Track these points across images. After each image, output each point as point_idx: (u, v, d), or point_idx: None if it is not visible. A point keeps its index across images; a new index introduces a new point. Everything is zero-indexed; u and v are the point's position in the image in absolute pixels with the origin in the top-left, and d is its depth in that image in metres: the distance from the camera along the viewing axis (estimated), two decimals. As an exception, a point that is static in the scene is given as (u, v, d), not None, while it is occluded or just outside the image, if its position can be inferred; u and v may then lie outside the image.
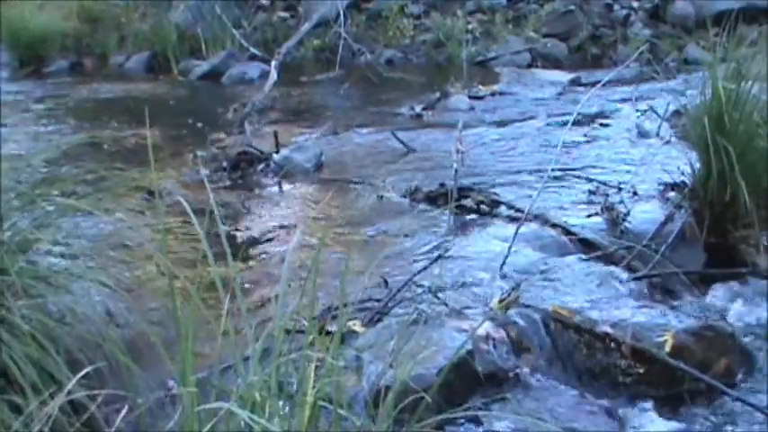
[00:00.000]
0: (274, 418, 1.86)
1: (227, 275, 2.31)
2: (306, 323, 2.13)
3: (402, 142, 6.03)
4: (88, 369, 2.01)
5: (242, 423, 1.84)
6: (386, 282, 3.65)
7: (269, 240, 4.38)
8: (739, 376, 3.34)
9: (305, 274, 2.33)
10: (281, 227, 4.56)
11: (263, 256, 4.16)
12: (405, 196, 4.95)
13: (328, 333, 2.96)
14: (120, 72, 10.25)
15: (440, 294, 3.50)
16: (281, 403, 2.06)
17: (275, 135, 5.87)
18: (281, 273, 2.46)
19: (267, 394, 1.97)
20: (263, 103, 7.19)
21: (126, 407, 2.03)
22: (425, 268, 3.67)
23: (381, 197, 4.97)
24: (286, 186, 5.41)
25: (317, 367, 2.14)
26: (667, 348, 3.21)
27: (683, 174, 4.70)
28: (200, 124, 7.08)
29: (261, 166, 5.63)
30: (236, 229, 4.56)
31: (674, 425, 3.07)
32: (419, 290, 3.56)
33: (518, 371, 3.18)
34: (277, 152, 5.72)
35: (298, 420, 1.95)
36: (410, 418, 2.02)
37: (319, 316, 3.03)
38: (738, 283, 4.07)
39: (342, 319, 2.17)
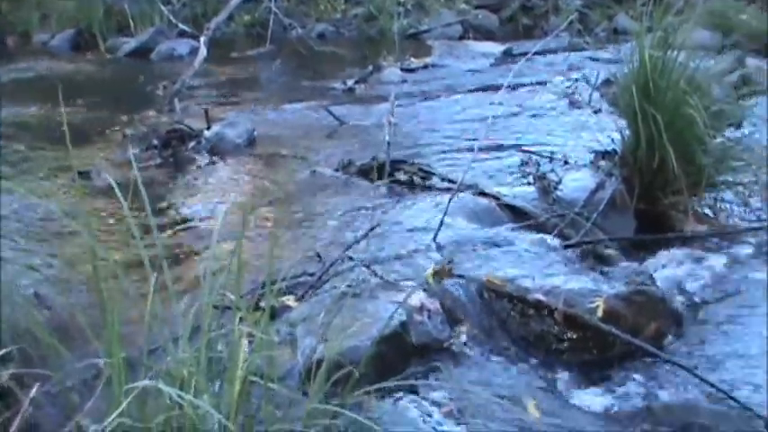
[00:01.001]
0: (203, 395, 1.84)
1: (154, 253, 2.27)
2: (234, 298, 2.10)
3: (334, 116, 6.00)
4: (9, 349, 1.96)
5: (169, 400, 1.81)
6: (319, 256, 3.63)
7: (200, 217, 4.33)
8: (669, 339, 3.39)
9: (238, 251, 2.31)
10: (213, 203, 4.51)
11: (194, 233, 4.11)
12: (338, 170, 4.93)
13: (261, 308, 2.94)
14: (45, 50, 10.03)
15: (373, 267, 3.49)
16: (210, 380, 2.04)
17: (206, 112, 5.80)
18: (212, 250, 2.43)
19: (196, 371, 1.95)
20: (193, 80, 7.10)
21: (42, 383, 1.99)
22: (358, 241, 3.65)
23: (314, 171, 4.94)
24: (218, 163, 5.35)
25: (248, 342, 2.12)
26: (599, 314, 3.24)
27: (613, 142, 4.74)
28: (129, 103, 6.97)
29: (192, 144, 5.56)
30: (167, 207, 4.50)
31: (606, 389, 3.11)
32: (353, 263, 3.54)
33: (452, 341, 3.18)
34: (208, 129, 5.66)
35: (228, 396, 1.93)
36: (343, 389, 2.01)
37: (251, 292, 3.02)
38: (668, 249, 4.13)
39: (270, 293, 2.14)
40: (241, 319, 2.09)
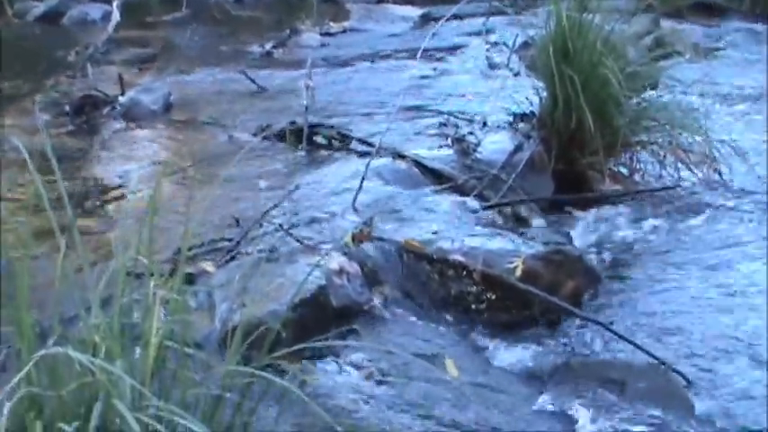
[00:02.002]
0: (116, 361, 1.80)
1: (66, 221, 2.22)
2: (147, 263, 2.06)
3: (252, 81, 5.92)
4: None
5: (79, 367, 1.77)
6: (237, 221, 3.59)
7: (114, 184, 4.24)
8: (587, 297, 3.44)
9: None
10: (128, 170, 4.42)
11: (108, 200, 4.04)
12: (255, 135, 4.87)
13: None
14: (-51, 16, 9.69)
15: (292, 231, 3.46)
16: (126, 347, 2.00)
17: (120, 77, 5.67)
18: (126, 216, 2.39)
19: (109, 337, 1.90)
20: (106, 45, 6.94)
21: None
22: (276, 205, 3.62)
23: (231, 136, 4.88)
24: (133, 129, 5.24)
25: (164, 308, 2.08)
26: (517, 273, 3.27)
27: (531, 104, 4.77)
28: (39, 69, 6.78)
29: (106, 110, 5.43)
30: (81, 174, 4.40)
31: (525, 346, 3.15)
32: (272, 227, 3.51)
33: (372, 303, 3.18)
34: (123, 95, 5.53)
35: (143, 361, 1.89)
36: (259, 352, 1.98)
37: (169, 258, 2.98)
38: (585, 208, 4.18)
39: (184, 258, 2.11)
40: (154, 283, 2.05)
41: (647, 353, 3.01)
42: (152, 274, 2.01)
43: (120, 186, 4.25)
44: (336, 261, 3.23)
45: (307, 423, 2.01)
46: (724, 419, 2.71)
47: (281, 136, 4.78)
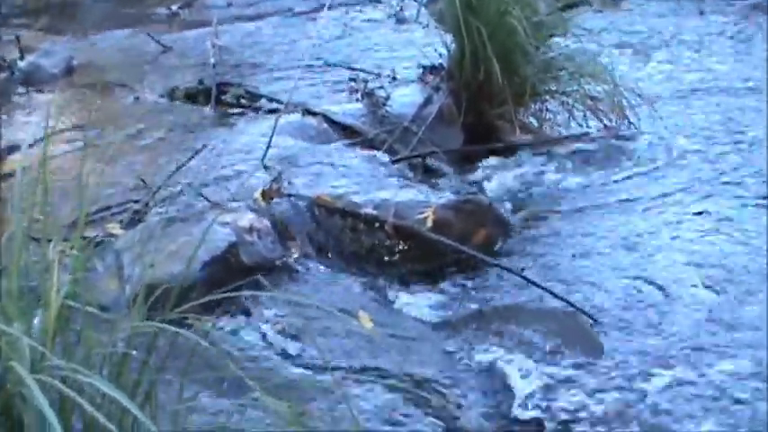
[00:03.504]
0: (13, 322, 1.75)
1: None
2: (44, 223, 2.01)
3: (158, 42, 5.81)
4: None
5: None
6: (144, 182, 3.53)
7: (14, 151, 4.13)
8: (499, 245, 3.46)
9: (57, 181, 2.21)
10: (27, 135, 4.30)
11: (9, 167, 3.92)
12: (163, 96, 4.79)
13: (85, 238, 2.82)
14: None
15: (201, 190, 3.41)
16: (27, 309, 1.95)
17: (18, 40, 5.51)
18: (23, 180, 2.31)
19: (8, 300, 1.85)
20: (2, 8, 6.73)
21: None
22: (183, 165, 3.57)
23: (137, 98, 4.79)
24: (34, 94, 5.11)
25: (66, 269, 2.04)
26: (428, 224, 3.28)
27: (440, 57, 4.75)
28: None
29: (4, 75, 5.28)
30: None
31: (439, 296, 3.16)
32: (179, 187, 3.46)
33: (285, 259, 3.16)
34: (21, 59, 5.38)
35: (44, 322, 1.84)
36: (164, 306, 1.95)
37: (72, 222, 2.90)
38: (495, 158, 4.20)
39: (83, 216, 2.05)
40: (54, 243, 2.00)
41: (558, 297, 3.04)
42: (49, 234, 1.96)
43: (17, 151, 4.14)
44: (246, 218, 3.20)
45: (216, 377, 1.98)
46: (630, 356, 2.76)
47: (188, 96, 4.72)
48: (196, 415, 1.98)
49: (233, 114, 4.45)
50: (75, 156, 3.86)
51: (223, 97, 4.57)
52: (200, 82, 4.74)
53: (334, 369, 2.52)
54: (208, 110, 4.43)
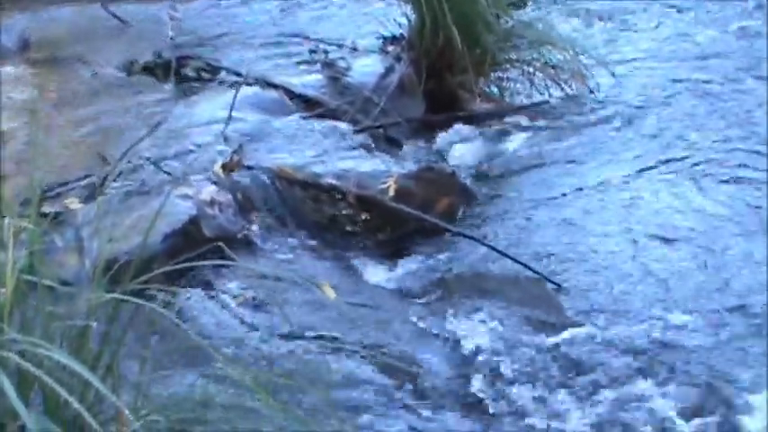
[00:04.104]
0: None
1: None
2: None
3: (115, 15, 5.72)
4: None
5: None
6: (103, 156, 3.49)
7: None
8: (461, 213, 3.47)
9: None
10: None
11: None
12: (121, 70, 4.73)
13: (45, 215, 2.80)
14: None
15: (161, 164, 3.39)
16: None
17: (-30, 16, 5.42)
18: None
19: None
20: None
21: None
22: (143, 139, 3.53)
23: (95, 73, 4.72)
24: (-10, 70, 5.02)
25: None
26: (390, 193, 3.27)
27: (400, 27, 4.74)
28: None
29: (-43, 51, 5.19)
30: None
31: (402, 265, 3.17)
32: (139, 161, 3.43)
33: (247, 231, 3.15)
34: (-24, 35, 5.29)
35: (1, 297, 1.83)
36: (123, 278, 1.93)
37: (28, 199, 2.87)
38: (457, 127, 4.20)
39: (38, 188, 2.03)
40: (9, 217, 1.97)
41: (520, 263, 3.06)
42: (4, 210, 1.94)
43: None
44: (207, 191, 3.19)
45: (178, 348, 1.97)
46: (591, 316, 2.79)
47: (147, 70, 4.66)
48: (159, 386, 1.97)
49: (193, 88, 4.41)
50: (31, 131, 3.83)
51: (183, 71, 4.51)
52: (159, 55, 4.67)
53: (297, 338, 2.52)
54: (167, 83, 4.37)
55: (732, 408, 2.42)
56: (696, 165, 3.80)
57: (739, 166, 3.73)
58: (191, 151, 3.57)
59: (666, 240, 3.27)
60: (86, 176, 3.35)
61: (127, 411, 1.69)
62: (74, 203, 3.18)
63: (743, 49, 4.95)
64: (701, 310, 2.82)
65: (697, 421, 2.39)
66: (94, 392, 1.76)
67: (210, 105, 4.09)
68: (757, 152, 3.82)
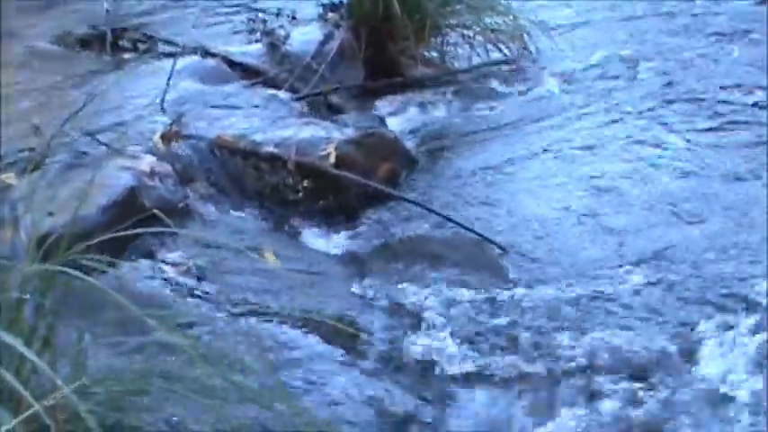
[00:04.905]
0: None
1: None
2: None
3: (47, -13, 5.61)
4: None
5: None
6: (39, 129, 3.43)
7: None
8: (403, 178, 3.47)
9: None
10: None
11: None
12: (55, 43, 4.64)
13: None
14: None
15: (99, 136, 3.33)
16: None
17: None
18: None
19: None
20: None
21: None
22: (79, 111, 3.46)
23: (29, 46, 4.64)
24: None
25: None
26: (331, 160, 3.26)
27: (339, -7, 4.71)
28: None
29: None
30: None
31: (345, 231, 3.16)
32: (76, 134, 3.37)
33: (188, 201, 3.11)
34: None
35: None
36: (58, 251, 1.90)
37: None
38: (398, 94, 4.20)
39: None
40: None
41: (463, 226, 3.07)
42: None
43: None
44: (146, 162, 3.14)
45: (117, 319, 1.94)
46: (534, 279, 2.81)
47: (83, 42, 4.59)
48: (97, 358, 1.94)
49: (130, 59, 4.35)
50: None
51: (119, 42, 4.45)
52: (94, 27, 4.61)
53: (239, 306, 2.51)
54: (103, 55, 4.31)
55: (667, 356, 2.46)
56: (635, 125, 3.83)
57: (674, 122, 3.78)
58: (129, 123, 3.52)
59: (609, 201, 3.29)
60: (22, 150, 3.29)
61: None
62: (10, 178, 3.12)
63: (682, 12, 5.00)
64: (644, 267, 2.85)
65: (630, 371, 2.41)
66: (31, 366, 1.74)
67: (148, 76, 4.04)
68: (688, 108, 3.88)
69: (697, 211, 3.14)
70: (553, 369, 2.44)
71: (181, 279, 2.61)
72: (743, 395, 2.32)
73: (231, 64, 4.15)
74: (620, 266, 2.88)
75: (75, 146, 3.29)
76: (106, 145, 3.25)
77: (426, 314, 2.68)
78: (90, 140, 3.31)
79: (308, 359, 2.38)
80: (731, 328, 2.52)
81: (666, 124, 3.74)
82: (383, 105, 4.09)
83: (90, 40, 4.57)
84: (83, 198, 2.70)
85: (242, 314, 2.50)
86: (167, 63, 4.09)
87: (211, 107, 3.66)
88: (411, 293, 2.77)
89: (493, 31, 4.63)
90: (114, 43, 4.45)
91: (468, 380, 2.42)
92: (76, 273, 1.80)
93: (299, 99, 3.81)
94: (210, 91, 3.83)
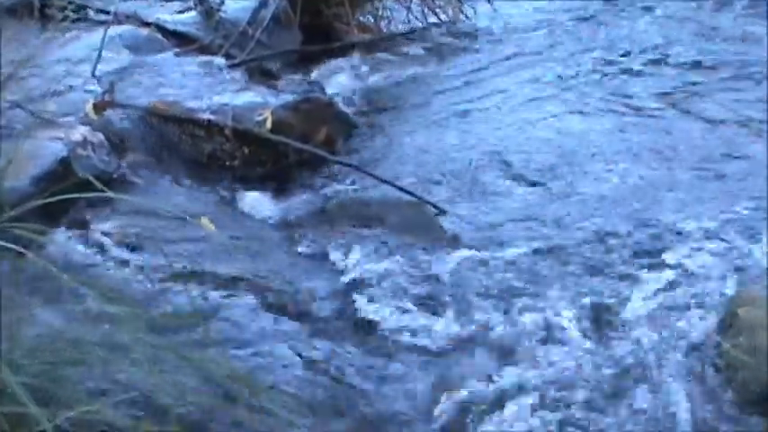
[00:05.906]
0: None
1: None
2: None
3: (-26, -43, 5.47)
4: None
5: None
6: (-34, 100, 3.35)
7: None
8: (341, 142, 3.45)
9: None
10: None
11: None
12: (-19, 13, 4.53)
13: None
14: None
15: (29, 106, 3.26)
16: None
17: None
18: None
19: None
20: None
21: None
22: (6, 81, 3.39)
23: (-46, 16, 4.52)
24: None
25: None
26: (268, 125, 3.23)
27: (274, -41, 4.64)
28: None
29: None
30: None
31: (282, 196, 3.14)
32: (6, 104, 3.30)
33: (122, 171, 3.07)
34: None
35: None
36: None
37: None
38: (334, 58, 4.18)
39: None
40: None
41: (401, 189, 3.06)
42: None
43: None
44: (79, 132, 3.09)
45: (48, 288, 1.91)
46: (470, 240, 2.81)
47: (10, 11, 4.48)
48: (32, 327, 1.91)
49: (60, 28, 4.25)
50: None
51: (47, 11, 4.36)
52: (21, -4, 4.50)
53: (176, 274, 2.48)
54: (32, 25, 4.21)
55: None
56: (566, 88, 3.86)
57: (607, 90, 3.82)
58: (60, 92, 3.45)
59: (543, 163, 3.31)
60: (-52, 123, 3.21)
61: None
62: (-63, 153, 3.05)
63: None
64: (576, 230, 2.86)
65: (570, 314, 2.43)
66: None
67: (80, 45, 3.97)
68: (622, 75, 3.92)
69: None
70: (489, 326, 2.44)
71: (115, 247, 2.57)
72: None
73: (165, 32, 4.10)
74: (553, 229, 2.89)
75: (5, 116, 3.22)
76: (36, 115, 3.19)
77: (365, 277, 2.66)
78: (20, 111, 3.24)
79: (247, 324, 2.36)
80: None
81: (602, 93, 3.79)
82: (319, 70, 4.07)
83: (17, 9, 4.46)
84: (13, 169, 2.65)
85: (179, 281, 2.47)
86: (99, 32, 4.02)
87: (145, 75, 3.60)
88: (350, 257, 2.75)
89: (429, -5, 4.64)
90: (43, 12, 4.35)
91: (405, 337, 2.41)
92: (5, 243, 1.76)
93: (234, 66, 3.77)
94: (145, 59, 3.78)
